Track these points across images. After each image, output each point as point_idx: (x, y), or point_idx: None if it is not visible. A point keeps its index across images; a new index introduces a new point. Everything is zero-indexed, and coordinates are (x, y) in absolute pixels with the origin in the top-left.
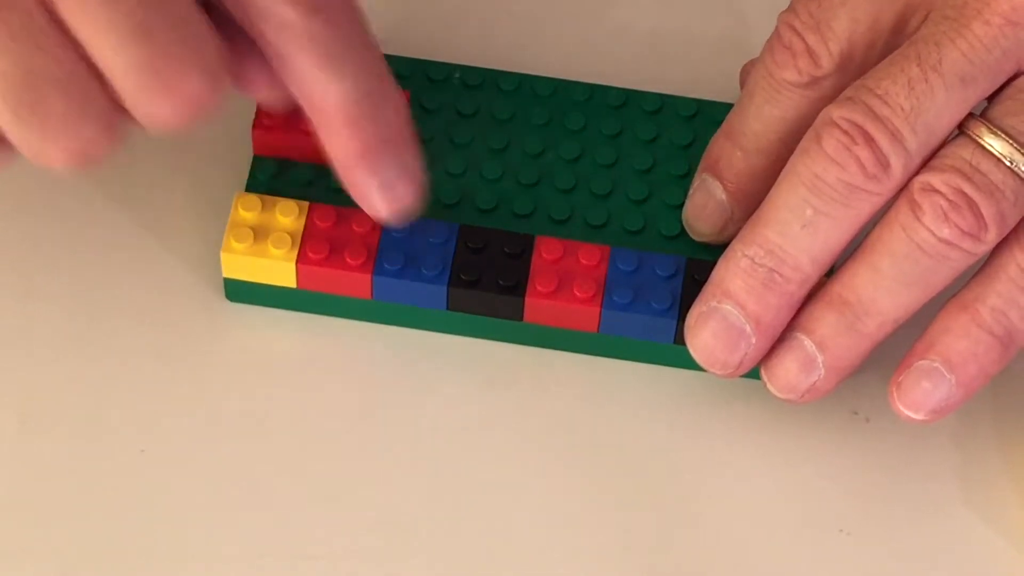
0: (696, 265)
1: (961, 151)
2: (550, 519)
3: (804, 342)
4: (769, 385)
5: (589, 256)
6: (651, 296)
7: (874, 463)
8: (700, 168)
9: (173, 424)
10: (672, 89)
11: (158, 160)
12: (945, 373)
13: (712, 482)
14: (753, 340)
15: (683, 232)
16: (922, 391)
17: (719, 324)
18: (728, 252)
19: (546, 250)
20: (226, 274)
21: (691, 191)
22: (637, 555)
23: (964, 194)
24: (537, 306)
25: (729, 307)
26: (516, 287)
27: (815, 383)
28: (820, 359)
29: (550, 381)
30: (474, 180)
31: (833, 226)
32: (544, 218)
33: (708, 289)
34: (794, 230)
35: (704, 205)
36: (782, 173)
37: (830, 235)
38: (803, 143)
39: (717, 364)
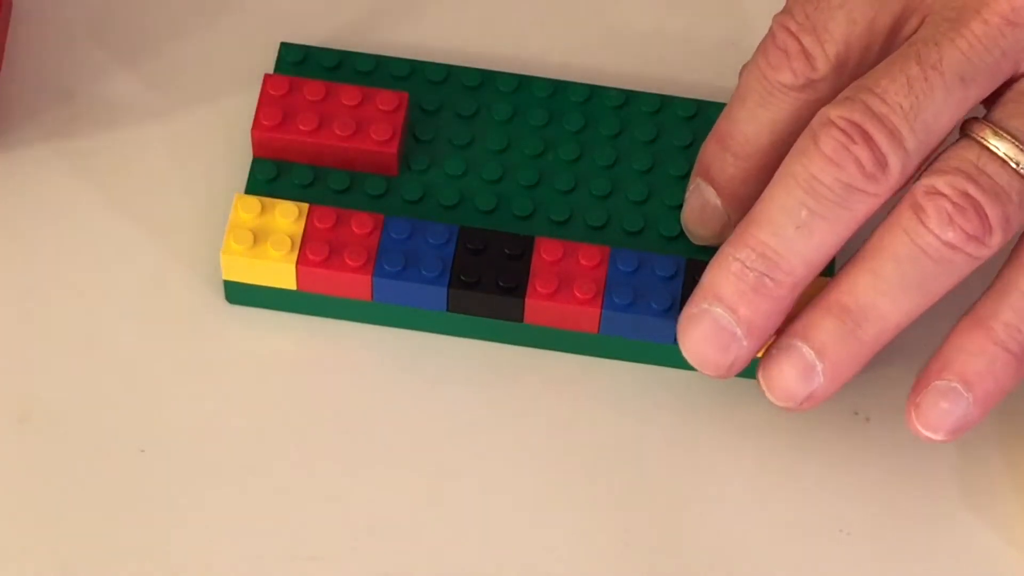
0: (696, 266)
1: (966, 153)
2: (550, 519)
3: (803, 349)
4: (768, 393)
5: (589, 257)
6: (651, 297)
7: (874, 463)
8: (693, 173)
9: (173, 424)
10: (672, 89)
11: (158, 161)
12: (963, 392)
13: (712, 482)
14: (744, 343)
15: (683, 233)
16: (940, 412)
17: (710, 327)
18: (719, 255)
19: (546, 251)
20: (226, 276)
21: (686, 196)
22: (637, 555)
23: (969, 196)
24: (537, 307)
25: (720, 310)
26: (516, 288)
27: (814, 390)
28: (819, 366)
29: (550, 382)
30: (474, 181)
31: (828, 228)
32: (544, 219)
33: (699, 291)
34: (788, 232)
35: (700, 210)
36: (776, 174)
37: (825, 237)
38: (799, 143)
39: (708, 365)
